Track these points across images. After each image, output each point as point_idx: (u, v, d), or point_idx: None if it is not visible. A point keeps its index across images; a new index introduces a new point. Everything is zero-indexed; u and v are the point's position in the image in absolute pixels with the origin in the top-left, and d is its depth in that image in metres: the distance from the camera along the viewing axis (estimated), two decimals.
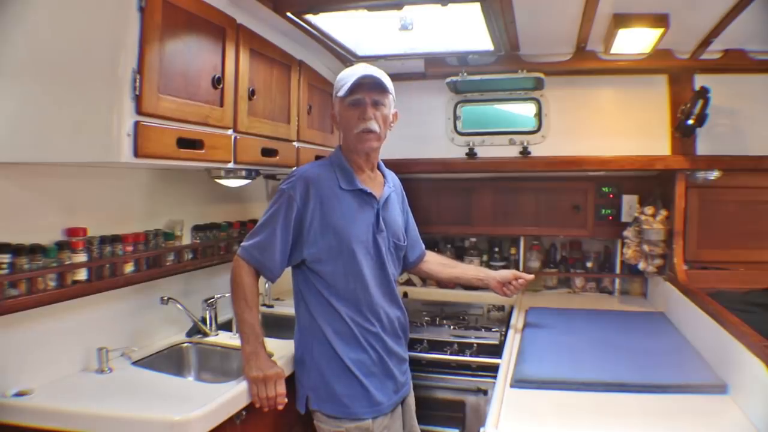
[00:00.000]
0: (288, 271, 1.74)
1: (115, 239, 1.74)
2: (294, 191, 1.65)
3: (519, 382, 1.68)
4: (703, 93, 2.31)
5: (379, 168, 1.87)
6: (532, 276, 2.15)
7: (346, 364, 1.66)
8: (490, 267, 3.05)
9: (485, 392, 2.18)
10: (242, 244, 1.69)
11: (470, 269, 2.26)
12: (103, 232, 1.73)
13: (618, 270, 2.93)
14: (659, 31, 2.03)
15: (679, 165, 2.52)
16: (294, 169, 1.76)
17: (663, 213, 2.58)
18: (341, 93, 1.67)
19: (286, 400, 1.63)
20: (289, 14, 1.92)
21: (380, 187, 1.82)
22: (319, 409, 1.68)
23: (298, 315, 1.77)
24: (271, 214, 1.66)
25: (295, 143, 2.24)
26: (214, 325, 2.11)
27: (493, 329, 2.41)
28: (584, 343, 2.03)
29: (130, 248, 1.80)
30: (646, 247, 2.59)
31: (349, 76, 1.68)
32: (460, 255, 3.12)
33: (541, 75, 2.52)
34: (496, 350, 2.21)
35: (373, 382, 1.69)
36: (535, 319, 2.38)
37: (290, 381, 1.79)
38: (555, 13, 2.07)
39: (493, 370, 2.00)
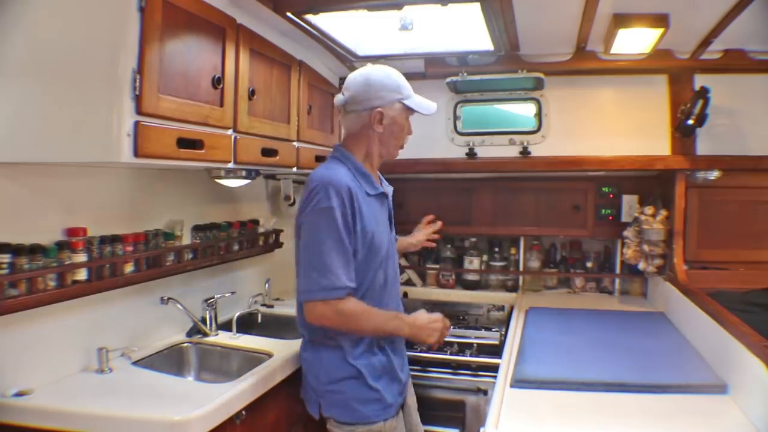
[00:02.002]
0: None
1: (115, 239, 1.74)
2: (341, 205, 1.54)
3: (519, 382, 1.68)
4: (703, 93, 2.30)
5: None
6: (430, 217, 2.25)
7: (357, 368, 1.64)
8: (489, 267, 3.07)
9: (485, 392, 2.19)
10: (311, 287, 1.55)
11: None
12: (103, 232, 1.73)
13: (618, 270, 2.93)
14: (659, 31, 2.03)
15: (679, 165, 2.52)
16: (318, 178, 1.59)
17: (663, 213, 2.58)
18: (418, 108, 1.70)
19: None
20: (289, 14, 1.92)
21: (381, 185, 1.83)
22: (332, 416, 1.66)
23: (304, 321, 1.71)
24: (327, 233, 1.53)
25: (295, 143, 2.24)
26: (214, 325, 2.12)
27: (493, 329, 2.41)
28: (584, 343, 2.03)
29: (130, 248, 1.79)
30: (646, 247, 2.59)
31: (409, 87, 1.72)
32: (460, 255, 3.12)
33: (541, 75, 2.52)
34: (496, 350, 2.22)
35: (382, 385, 1.68)
36: (535, 319, 2.38)
37: (297, 383, 1.79)
38: (555, 13, 2.07)
39: (493, 370, 2.00)
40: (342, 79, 2.77)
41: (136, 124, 1.36)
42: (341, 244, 1.54)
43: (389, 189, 1.86)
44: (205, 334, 2.08)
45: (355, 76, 1.70)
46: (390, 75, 1.70)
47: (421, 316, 1.68)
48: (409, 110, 1.71)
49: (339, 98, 1.70)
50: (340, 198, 1.54)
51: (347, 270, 1.55)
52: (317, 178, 1.59)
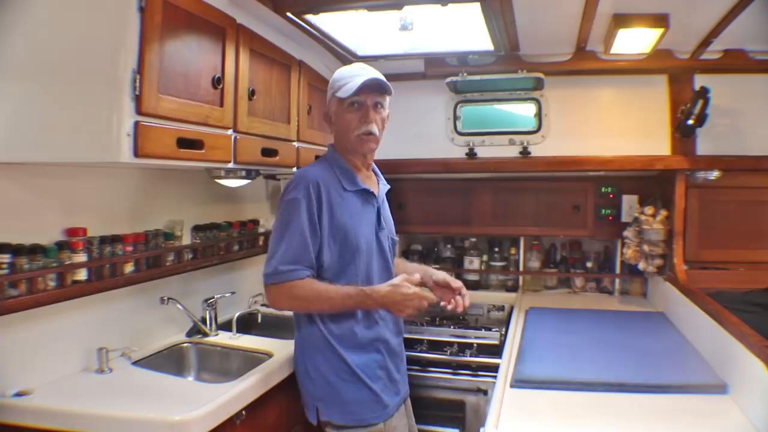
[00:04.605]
0: None
1: (115, 239, 1.74)
2: (306, 197, 1.60)
3: (519, 382, 1.68)
4: (703, 93, 2.30)
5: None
6: (465, 291, 1.83)
7: (353, 370, 1.64)
8: (489, 267, 3.07)
9: (485, 392, 2.18)
10: (267, 271, 1.59)
11: (413, 270, 1.91)
12: (103, 232, 1.73)
13: (618, 270, 2.94)
14: (659, 31, 2.03)
15: (679, 165, 2.52)
16: (295, 174, 1.67)
17: (663, 213, 2.58)
18: (342, 94, 1.65)
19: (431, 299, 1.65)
20: (289, 14, 1.92)
21: (375, 185, 1.82)
22: (330, 420, 1.65)
23: (298, 323, 1.74)
24: (289, 221, 1.58)
25: (295, 143, 2.24)
26: (214, 325, 2.11)
27: (493, 329, 2.41)
28: (584, 343, 2.02)
29: (130, 248, 1.80)
30: (646, 247, 2.59)
31: (349, 76, 1.66)
32: (460, 255, 3.12)
33: (541, 75, 2.52)
34: (496, 350, 2.22)
35: (380, 386, 1.68)
36: (535, 319, 2.38)
37: (296, 387, 1.79)
38: (555, 13, 2.07)
39: (493, 370, 2.00)
40: None
41: (136, 124, 1.36)
42: (298, 232, 1.58)
43: (384, 187, 1.86)
44: (205, 334, 2.08)
45: None
46: (335, 74, 1.74)
47: (395, 293, 1.60)
48: (345, 98, 1.66)
49: None
50: (307, 190, 1.60)
51: (296, 256, 1.57)
52: (294, 175, 1.69)
